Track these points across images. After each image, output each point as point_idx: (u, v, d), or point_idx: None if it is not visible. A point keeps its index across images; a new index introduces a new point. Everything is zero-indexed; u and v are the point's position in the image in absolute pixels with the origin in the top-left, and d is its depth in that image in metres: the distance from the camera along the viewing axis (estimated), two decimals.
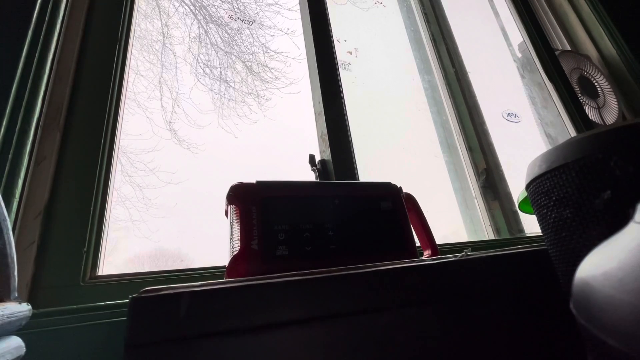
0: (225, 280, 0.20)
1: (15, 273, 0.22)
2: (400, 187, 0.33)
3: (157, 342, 0.17)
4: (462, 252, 0.29)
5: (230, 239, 0.27)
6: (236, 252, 0.25)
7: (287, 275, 0.22)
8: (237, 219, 0.26)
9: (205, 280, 0.33)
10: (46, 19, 0.49)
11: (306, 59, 0.79)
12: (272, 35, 0.99)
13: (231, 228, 0.27)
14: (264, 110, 0.87)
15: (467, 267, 0.26)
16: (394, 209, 0.31)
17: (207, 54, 0.93)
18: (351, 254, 0.28)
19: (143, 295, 0.18)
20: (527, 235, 0.80)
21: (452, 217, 0.85)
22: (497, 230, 0.81)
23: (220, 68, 0.92)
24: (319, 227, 0.27)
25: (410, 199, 0.34)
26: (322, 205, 0.28)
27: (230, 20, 0.98)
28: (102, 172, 0.48)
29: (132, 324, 0.17)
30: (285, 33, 0.98)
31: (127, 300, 0.18)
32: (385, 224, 0.30)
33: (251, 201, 0.26)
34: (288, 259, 0.25)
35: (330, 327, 0.21)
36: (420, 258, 0.28)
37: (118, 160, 0.54)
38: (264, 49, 0.97)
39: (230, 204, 0.27)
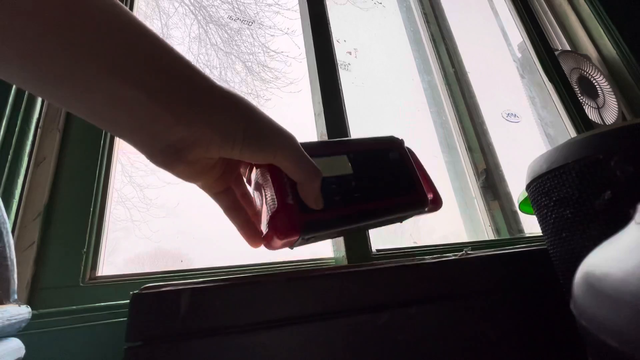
0: (225, 277, 0.20)
1: (15, 275, 0.22)
2: (402, 140, 0.35)
3: (158, 338, 0.17)
4: (462, 251, 0.29)
5: (265, 201, 0.28)
6: (274, 211, 0.26)
7: (287, 274, 0.22)
8: (267, 181, 0.27)
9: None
10: None
11: (306, 59, 0.79)
12: (272, 35, 0.99)
13: (261, 192, 0.28)
14: (264, 110, 0.87)
15: (466, 266, 0.26)
16: (400, 158, 0.34)
17: (207, 54, 0.93)
18: (373, 199, 0.30)
19: (144, 291, 0.18)
20: (527, 235, 0.81)
21: (451, 217, 0.85)
22: (496, 230, 0.81)
23: (220, 68, 0.92)
24: (342, 179, 0.30)
25: (411, 152, 0.37)
26: (341, 161, 0.31)
27: (230, 20, 0.98)
28: (102, 173, 0.48)
29: (133, 320, 0.17)
30: (286, 33, 0.98)
31: (127, 301, 0.18)
32: (395, 171, 0.33)
33: None
34: (322, 209, 0.27)
35: (330, 324, 0.21)
36: (421, 257, 0.28)
37: (118, 160, 0.54)
38: (264, 49, 0.97)
39: (257, 168, 0.28)
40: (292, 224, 0.25)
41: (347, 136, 0.68)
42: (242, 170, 0.31)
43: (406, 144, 0.36)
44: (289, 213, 0.26)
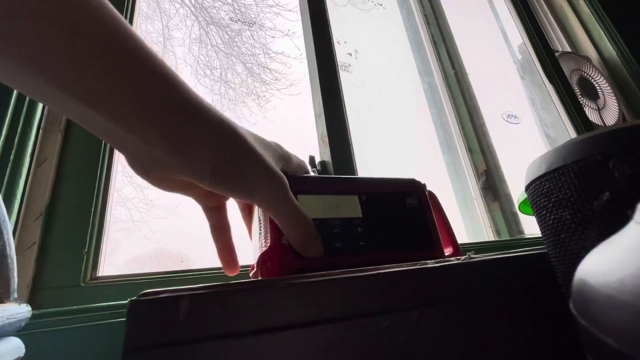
0: (225, 282, 0.20)
1: (15, 274, 0.22)
2: (424, 184, 0.32)
3: (156, 345, 0.17)
4: (465, 254, 0.29)
5: (259, 235, 0.26)
6: (265, 248, 0.24)
7: (288, 278, 0.22)
8: (266, 215, 0.25)
9: (206, 282, 0.33)
10: None
11: (306, 61, 0.79)
12: (272, 37, 0.99)
13: (259, 224, 0.26)
14: (264, 112, 0.87)
15: (469, 269, 0.26)
16: (419, 205, 0.30)
17: (208, 55, 0.93)
18: (380, 250, 0.27)
19: (142, 298, 0.18)
20: (527, 236, 0.80)
21: (452, 218, 0.84)
22: (497, 231, 0.81)
23: (220, 69, 0.92)
24: (348, 223, 0.27)
25: (433, 196, 0.34)
26: (350, 202, 0.28)
27: (231, 21, 0.99)
28: (103, 173, 0.49)
29: (131, 328, 0.17)
30: (286, 34, 0.98)
31: (127, 302, 0.18)
32: (412, 220, 0.29)
33: None
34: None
35: (332, 330, 0.21)
36: (424, 261, 0.28)
37: (119, 161, 0.54)
38: (265, 50, 0.97)
39: None
40: (282, 268, 0.23)
41: (347, 137, 0.68)
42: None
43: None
44: (280, 256, 0.24)
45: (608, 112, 1.08)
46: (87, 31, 0.16)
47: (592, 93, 1.10)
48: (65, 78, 0.16)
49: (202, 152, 0.20)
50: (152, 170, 0.20)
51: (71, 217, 0.44)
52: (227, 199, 0.28)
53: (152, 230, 0.64)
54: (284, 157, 0.26)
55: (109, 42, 0.17)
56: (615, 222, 0.15)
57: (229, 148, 0.21)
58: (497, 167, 0.89)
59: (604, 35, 1.17)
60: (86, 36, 0.16)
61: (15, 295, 0.22)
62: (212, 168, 0.20)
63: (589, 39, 1.22)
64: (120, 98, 0.17)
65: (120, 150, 0.20)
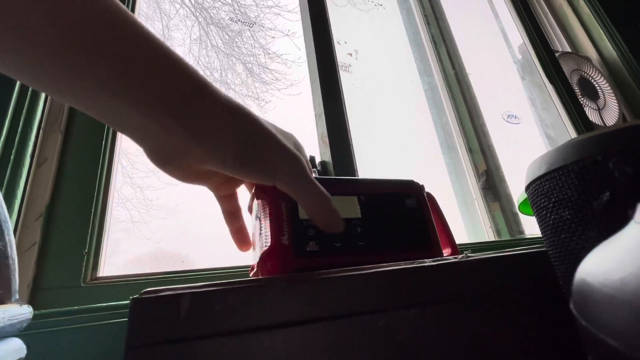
0: (225, 281, 0.20)
1: (17, 275, 0.22)
2: (423, 185, 0.33)
3: (158, 343, 0.17)
4: (463, 253, 0.29)
5: (259, 235, 0.26)
6: (266, 248, 0.24)
7: (288, 277, 0.22)
8: (265, 215, 0.26)
9: (206, 281, 0.33)
10: None
11: (306, 61, 0.79)
12: (272, 37, 0.99)
13: (259, 224, 0.27)
14: (264, 112, 0.87)
15: (466, 268, 0.26)
16: (418, 206, 0.31)
17: (208, 55, 0.93)
18: (379, 250, 0.27)
19: (143, 296, 0.18)
20: (527, 236, 0.80)
21: (452, 219, 0.85)
22: (497, 231, 0.81)
23: (220, 70, 0.92)
24: (347, 223, 0.27)
25: (431, 198, 0.34)
26: (349, 202, 0.28)
27: (231, 22, 0.99)
28: (103, 174, 0.49)
29: (132, 325, 0.17)
30: (286, 35, 0.98)
31: (128, 302, 0.18)
32: (411, 221, 0.30)
33: (280, 196, 0.26)
34: (318, 255, 0.25)
35: (331, 328, 0.21)
36: (421, 260, 0.28)
37: (119, 161, 0.54)
38: (265, 51, 0.97)
39: (258, 199, 0.27)
40: (282, 267, 0.24)
41: (348, 137, 0.68)
42: (247, 188, 0.30)
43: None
44: (281, 254, 0.24)
45: (608, 112, 1.08)
46: (100, 21, 0.17)
47: (592, 93, 1.10)
48: (83, 68, 0.16)
49: (222, 137, 0.20)
50: (173, 160, 0.21)
51: (71, 217, 0.44)
52: (238, 187, 0.28)
53: (151, 230, 0.64)
54: (297, 147, 0.27)
55: (121, 31, 0.17)
56: (616, 222, 0.15)
57: (247, 130, 0.21)
58: (497, 167, 0.89)
59: (604, 35, 1.17)
60: (100, 26, 0.17)
61: (17, 296, 0.22)
62: (234, 152, 0.20)
63: (589, 39, 1.22)
64: (138, 85, 0.18)
65: (139, 143, 0.21)
